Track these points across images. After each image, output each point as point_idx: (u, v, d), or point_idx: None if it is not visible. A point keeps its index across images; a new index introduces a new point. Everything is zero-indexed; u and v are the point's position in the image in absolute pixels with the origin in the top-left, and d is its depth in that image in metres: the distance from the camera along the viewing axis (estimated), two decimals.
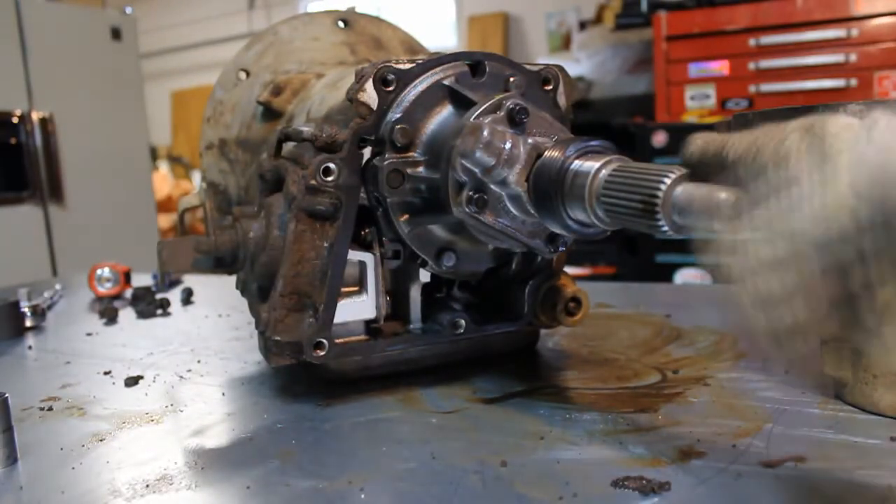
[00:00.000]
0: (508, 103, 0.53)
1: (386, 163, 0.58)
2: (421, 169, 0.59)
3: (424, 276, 0.68)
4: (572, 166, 0.49)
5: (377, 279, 0.64)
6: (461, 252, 0.63)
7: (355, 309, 0.64)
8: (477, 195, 0.54)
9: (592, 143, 0.50)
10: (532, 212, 0.53)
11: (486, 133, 0.51)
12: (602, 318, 0.92)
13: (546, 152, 0.51)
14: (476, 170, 0.52)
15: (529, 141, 0.52)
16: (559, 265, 0.70)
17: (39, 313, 1.03)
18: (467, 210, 0.54)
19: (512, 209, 0.55)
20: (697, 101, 3.04)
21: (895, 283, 0.32)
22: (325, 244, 0.62)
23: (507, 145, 0.51)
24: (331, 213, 0.61)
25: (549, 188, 0.50)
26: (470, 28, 5.85)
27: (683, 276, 2.69)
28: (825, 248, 0.33)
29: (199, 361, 0.80)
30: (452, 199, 0.56)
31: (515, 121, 0.53)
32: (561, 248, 0.59)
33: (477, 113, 0.55)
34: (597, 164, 0.48)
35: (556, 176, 0.50)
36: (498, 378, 0.69)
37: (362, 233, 0.64)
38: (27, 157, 3.24)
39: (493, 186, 0.54)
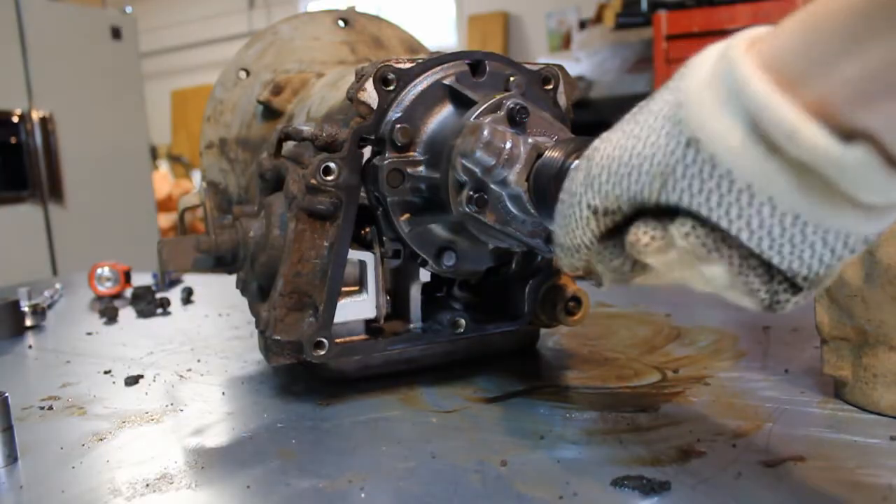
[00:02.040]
0: (508, 103, 0.53)
1: (386, 162, 0.58)
2: (421, 168, 0.59)
3: (425, 275, 0.68)
4: (572, 166, 0.49)
5: (377, 278, 0.64)
6: (461, 251, 0.63)
7: (355, 308, 0.64)
8: (477, 195, 0.54)
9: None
10: (532, 211, 0.53)
11: (486, 133, 0.51)
12: (602, 318, 0.92)
13: (546, 152, 0.51)
14: (476, 169, 0.52)
15: (529, 140, 0.52)
16: (559, 264, 0.70)
17: (39, 312, 1.03)
18: (467, 209, 0.54)
19: (512, 209, 0.55)
20: None
21: None
22: (326, 243, 0.62)
23: (508, 145, 0.51)
24: (331, 212, 0.61)
25: (549, 187, 0.50)
26: (470, 27, 5.85)
27: None
28: None
29: (199, 361, 0.80)
30: (453, 198, 0.56)
31: (515, 120, 0.53)
32: None
33: (477, 112, 0.55)
34: None
35: (556, 175, 0.49)
36: (498, 377, 0.69)
37: (362, 232, 0.64)
38: (27, 157, 3.23)
39: (493, 186, 0.54)
